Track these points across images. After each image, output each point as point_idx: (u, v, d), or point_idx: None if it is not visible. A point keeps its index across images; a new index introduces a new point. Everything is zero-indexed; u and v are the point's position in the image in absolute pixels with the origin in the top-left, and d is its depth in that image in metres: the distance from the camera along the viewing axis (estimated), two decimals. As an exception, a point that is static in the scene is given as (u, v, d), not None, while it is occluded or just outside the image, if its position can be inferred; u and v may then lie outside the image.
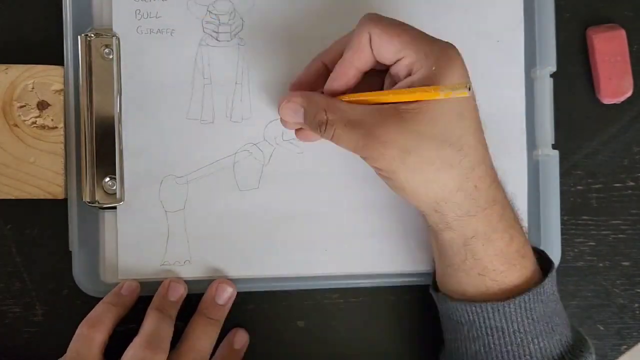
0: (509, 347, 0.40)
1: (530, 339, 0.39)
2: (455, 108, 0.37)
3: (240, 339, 0.47)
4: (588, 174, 0.50)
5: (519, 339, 0.39)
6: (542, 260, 0.43)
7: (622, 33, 0.49)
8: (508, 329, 0.39)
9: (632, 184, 0.50)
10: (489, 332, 0.40)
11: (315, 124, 0.39)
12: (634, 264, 0.50)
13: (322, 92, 0.41)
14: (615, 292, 0.50)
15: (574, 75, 0.50)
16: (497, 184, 0.39)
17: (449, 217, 0.38)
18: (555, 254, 0.48)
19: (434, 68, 0.37)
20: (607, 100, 0.49)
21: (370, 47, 0.39)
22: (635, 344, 0.51)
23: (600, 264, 0.50)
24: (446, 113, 0.37)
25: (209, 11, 0.46)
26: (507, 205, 0.40)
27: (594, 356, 0.41)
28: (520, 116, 0.48)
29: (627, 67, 0.49)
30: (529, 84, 0.48)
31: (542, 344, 0.39)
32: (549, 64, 0.47)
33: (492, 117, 0.47)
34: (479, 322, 0.40)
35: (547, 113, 0.48)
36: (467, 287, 0.40)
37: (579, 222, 0.50)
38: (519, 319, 0.39)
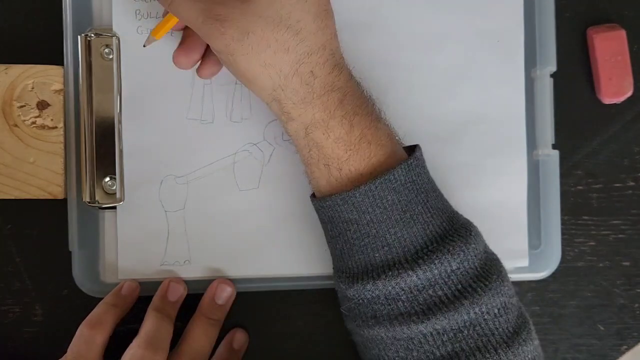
0: (367, 240, 0.39)
1: (386, 229, 0.38)
2: None
3: (240, 339, 0.47)
4: (588, 174, 0.50)
5: (374, 230, 0.38)
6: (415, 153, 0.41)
7: (622, 33, 0.49)
8: (361, 220, 0.38)
9: (632, 184, 0.50)
10: (346, 227, 0.39)
11: None
12: (634, 264, 0.50)
13: None
14: (615, 292, 0.50)
15: (574, 75, 0.50)
16: (339, 71, 0.39)
17: (288, 106, 0.38)
18: (555, 254, 0.48)
19: None
20: (607, 100, 0.49)
21: None
22: (635, 344, 0.51)
23: (600, 264, 0.50)
24: None
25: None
26: (349, 93, 0.39)
27: (472, 245, 0.39)
28: (520, 116, 0.48)
29: (627, 67, 0.49)
30: (529, 83, 0.48)
31: (399, 234, 0.38)
32: (549, 64, 0.47)
33: (492, 117, 0.48)
34: (335, 218, 0.40)
35: (547, 113, 0.48)
36: (320, 181, 0.40)
37: (579, 222, 0.50)
38: (369, 209, 0.38)
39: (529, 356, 0.38)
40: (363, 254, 0.39)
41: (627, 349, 0.51)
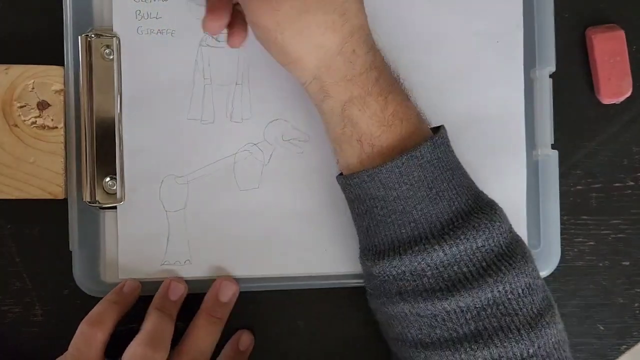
0: (393, 216, 0.39)
1: (412, 205, 0.39)
2: None
3: (246, 340, 0.48)
4: (588, 174, 0.50)
5: (400, 207, 0.39)
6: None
7: (622, 33, 0.49)
8: (388, 197, 0.39)
9: (631, 183, 0.50)
10: (373, 203, 0.40)
11: None
12: (634, 263, 0.50)
13: None
14: (615, 291, 0.50)
15: (573, 75, 0.50)
16: (374, 51, 0.40)
17: (327, 84, 0.39)
18: (554, 254, 0.48)
19: None
20: (606, 101, 0.49)
21: None
22: (635, 343, 0.51)
23: (600, 264, 0.50)
24: None
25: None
26: (384, 72, 0.40)
27: (497, 223, 0.39)
28: (519, 116, 0.48)
29: (627, 68, 0.49)
30: (528, 84, 0.48)
31: (425, 210, 0.39)
32: (549, 64, 0.48)
33: (491, 117, 0.48)
34: (362, 195, 0.40)
35: (547, 113, 0.48)
36: (351, 159, 0.40)
37: (579, 221, 0.50)
38: (396, 185, 0.39)
39: (553, 339, 0.38)
40: (390, 230, 0.40)
41: (627, 349, 0.51)
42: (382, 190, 0.39)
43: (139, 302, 0.45)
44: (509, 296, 0.38)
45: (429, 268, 0.38)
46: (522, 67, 0.48)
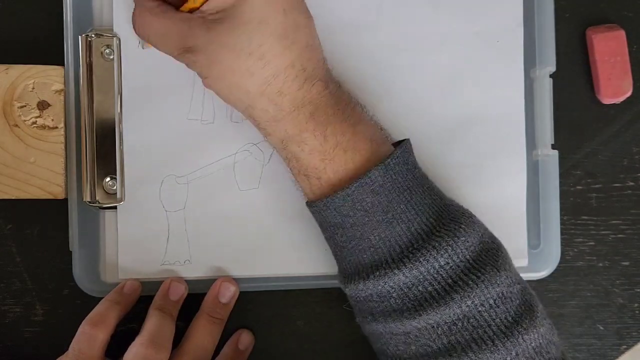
0: (353, 242, 0.39)
1: (369, 230, 0.39)
2: (257, 15, 0.37)
3: (246, 339, 0.48)
4: (588, 174, 0.50)
5: (358, 233, 0.39)
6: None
7: (622, 33, 0.49)
8: (345, 224, 0.39)
9: (631, 184, 0.50)
10: (334, 230, 0.40)
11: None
12: (634, 263, 0.50)
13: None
14: (615, 292, 0.50)
15: (573, 75, 0.50)
16: (310, 85, 0.39)
17: (261, 123, 0.40)
18: (554, 254, 0.48)
19: None
20: (606, 101, 0.49)
21: None
22: (635, 343, 0.51)
23: (600, 264, 0.50)
24: (247, 21, 0.37)
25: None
26: (322, 105, 0.39)
27: (461, 238, 0.38)
28: (519, 116, 0.48)
29: (627, 68, 0.49)
30: (528, 84, 0.48)
31: (382, 235, 0.38)
32: (549, 64, 0.47)
33: (491, 117, 0.48)
34: (324, 222, 0.41)
35: (547, 113, 0.48)
36: (306, 190, 0.41)
37: (579, 222, 0.50)
38: (350, 213, 0.39)
39: (533, 344, 0.38)
40: (352, 256, 0.40)
41: (627, 349, 0.51)
42: (338, 217, 0.39)
43: (139, 302, 0.45)
44: (479, 309, 0.37)
45: (393, 290, 0.38)
46: (522, 67, 0.48)
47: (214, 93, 0.40)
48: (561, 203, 0.48)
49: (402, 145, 0.40)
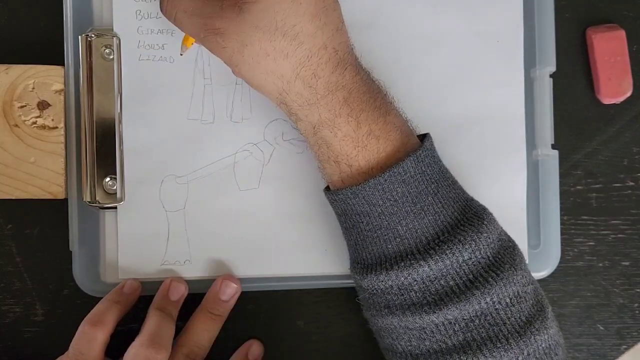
0: (379, 232, 0.39)
1: (397, 220, 0.38)
2: None
3: (256, 350, 0.48)
4: (588, 174, 0.50)
5: (385, 222, 0.39)
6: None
7: (622, 33, 0.49)
8: (373, 213, 0.39)
9: (631, 184, 0.50)
10: (359, 219, 0.40)
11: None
12: (634, 263, 0.50)
13: None
14: (615, 292, 0.50)
15: (573, 75, 0.50)
16: (343, 69, 0.38)
17: (294, 108, 0.39)
18: (555, 254, 0.48)
19: None
20: (606, 101, 0.49)
21: None
22: (635, 343, 0.51)
23: (600, 264, 0.50)
24: (279, 1, 0.37)
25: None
26: (355, 90, 0.39)
27: (484, 234, 0.39)
28: (519, 116, 0.48)
29: (627, 67, 0.49)
30: (528, 84, 0.48)
31: (410, 226, 0.38)
32: (549, 64, 0.48)
33: (492, 117, 0.48)
34: (348, 210, 0.40)
35: (547, 113, 0.48)
36: (333, 177, 0.40)
37: (579, 222, 0.50)
38: (379, 202, 0.38)
39: (543, 345, 0.38)
40: (376, 246, 0.40)
41: (627, 349, 0.51)
42: (366, 206, 0.39)
43: (139, 302, 0.45)
44: (497, 307, 0.38)
45: (415, 283, 0.38)
46: (522, 67, 0.48)
47: (244, 80, 0.39)
48: (561, 203, 0.49)
49: (428, 138, 0.41)
